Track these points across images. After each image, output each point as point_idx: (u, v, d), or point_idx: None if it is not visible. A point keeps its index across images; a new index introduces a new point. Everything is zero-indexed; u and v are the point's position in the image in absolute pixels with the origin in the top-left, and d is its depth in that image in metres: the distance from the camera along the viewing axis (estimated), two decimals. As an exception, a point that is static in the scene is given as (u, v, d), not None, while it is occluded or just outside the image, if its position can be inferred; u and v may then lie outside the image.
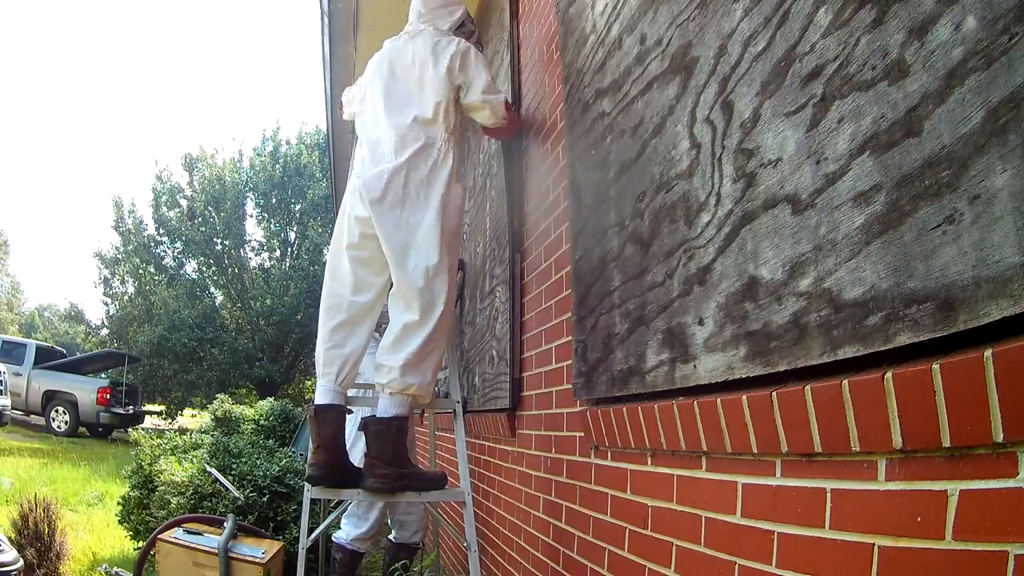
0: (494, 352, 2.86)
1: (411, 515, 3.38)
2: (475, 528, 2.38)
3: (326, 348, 2.29)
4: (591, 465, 1.78)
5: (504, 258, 2.79)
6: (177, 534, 2.98)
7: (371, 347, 3.76)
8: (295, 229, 18.14)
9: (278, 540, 3.18)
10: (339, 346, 2.28)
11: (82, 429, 12.88)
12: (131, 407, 13.36)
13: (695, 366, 1.23)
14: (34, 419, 12.93)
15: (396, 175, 2.23)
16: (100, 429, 13.01)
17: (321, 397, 2.26)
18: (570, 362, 1.95)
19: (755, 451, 1.05)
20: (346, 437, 3.88)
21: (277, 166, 17.71)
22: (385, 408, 2.21)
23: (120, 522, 4.06)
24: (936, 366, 0.72)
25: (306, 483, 2.27)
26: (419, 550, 3.48)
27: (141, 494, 3.92)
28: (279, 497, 3.49)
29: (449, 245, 2.27)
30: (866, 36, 0.85)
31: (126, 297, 18.27)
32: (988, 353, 0.66)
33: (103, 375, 14.75)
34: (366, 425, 2.20)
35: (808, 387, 0.92)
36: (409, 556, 3.41)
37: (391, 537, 3.48)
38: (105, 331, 18.67)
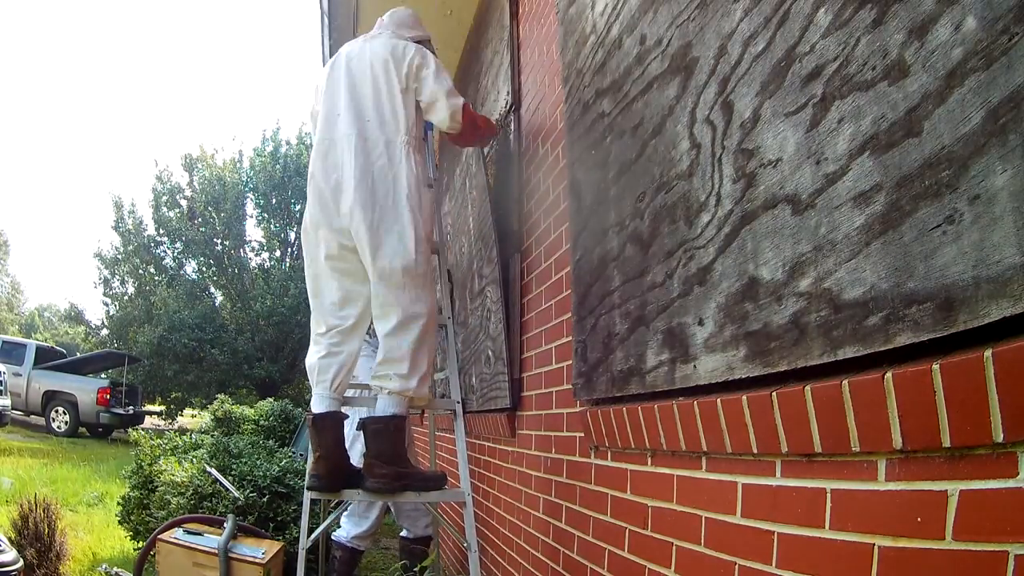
0: (490, 352, 2.86)
1: (419, 507, 3.38)
2: (475, 528, 2.38)
3: (320, 356, 2.27)
4: (591, 465, 1.78)
5: (492, 257, 2.79)
6: (177, 534, 2.97)
7: (365, 349, 3.77)
8: (295, 229, 18.10)
9: (278, 540, 3.17)
10: (333, 354, 2.26)
11: (82, 429, 12.87)
12: (131, 407, 13.35)
13: (695, 366, 1.23)
14: (34, 419, 12.91)
15: (362, 182, 2.19)
16: (100, 429, 13.00)
17: (318, 405, 2.24)
18: (570, 362, 1.95)
19: (755, 451, 1.05)
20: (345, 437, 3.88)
21: (277, 166, 17.70)
22: (383, 407, 2.21)
23: (120, 522, 4.06)
24: (936, 366, 0.72)
25: (307, 491, 2.25)
26: (431, 540, 3.50)
27: (141, 494, 3.92)
28: (279, 497, 3.49)
29: (424, 251, 2.25)
30: (866, 36, 0.85)
31: (126, 298, 18.26)
32: (988, 353, 0.66)
33: (103, 375, 14.73)
34: (364, 425, 2.19)
35: (808, 387, 0.92)
36: (426, 547, 3.43)
37: (403, 534, 3.48)
38: (105, 331, 18.65)
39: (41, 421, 12.67)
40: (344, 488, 2.22)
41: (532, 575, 2.25)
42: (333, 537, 3.35)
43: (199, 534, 2.97)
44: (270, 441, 4.89)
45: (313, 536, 2.34)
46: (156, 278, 17.80)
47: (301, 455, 4.35)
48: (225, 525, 2.99)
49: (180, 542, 2.93)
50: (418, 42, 2.52)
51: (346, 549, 3.28)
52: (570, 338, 1.96)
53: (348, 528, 3.29)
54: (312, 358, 2.30)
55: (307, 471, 2.24)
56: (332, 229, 2.22)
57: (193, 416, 20.23)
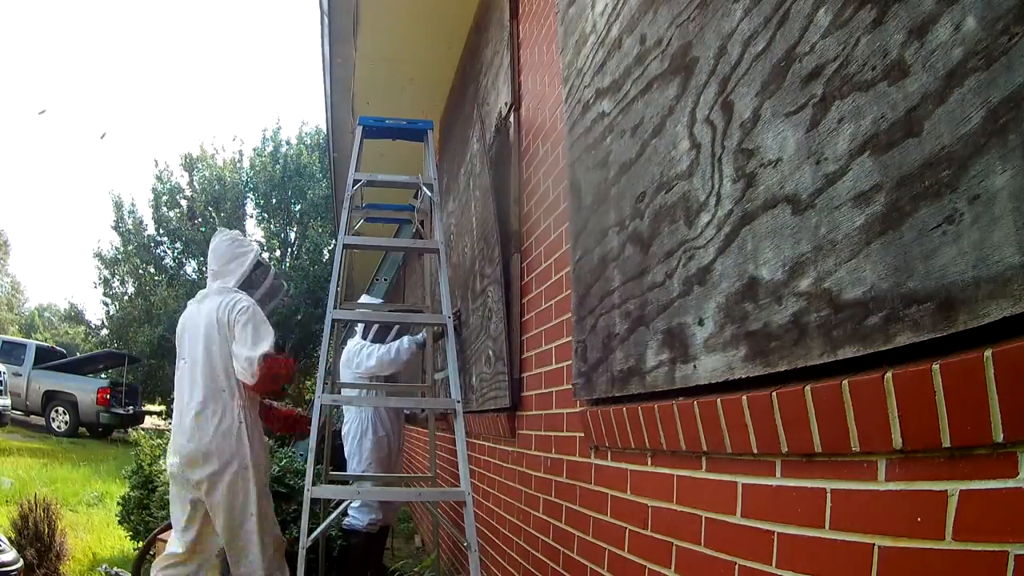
0: (490, 352, 2.86)
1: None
2: (475, 528, 2.38)
3: None
4: (591, 465, 1.78)
5: (494, 257, 2.79)
6: (177, 534, 2.96)
7: (365, 344, 3.79)
8: (295, 229, 18.10)
9: (278, 540, 3.17)
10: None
11: (82, 429, 12.87)
12: (131, 407, 13.35)
13: (695, 366, 1.23)
14: (34, 419, 12.92)
15: (211, 455, 2.43)
16: (100, 429, 13.00)
17: None
18: (570, 362, 1.95)
19: (755, 451, 1.05)
20: (343, 437, 3.94)
21: (277, 166, 17.69)
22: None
23: (120, 522, 4.07)
24: (936, 366, 0.72)
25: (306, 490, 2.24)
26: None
27: (141, 494, 3.92)
28: (279, 497, 3.49)
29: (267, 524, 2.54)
30: (866, 36, 0.85)
31: (126, 297, 18.24)
32: (988, 353, 0.66)
33: (103, 375, 14.73)
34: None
35: (808, 387, 0.92)
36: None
37: None
38: (105, 331, 18.63)
39: (41, 421, 12.67)
40: None
41: (532, 575, 2.25)
42: (345, 525, 3.49)
43: (199, 534, 2.96)
44: (270, 441, 4.89)
45: (313, 536, 2.33)
46: (156, 278, 17.77)
47: (301, 455, 4.34)
48: (225, 525, 2.98)
49: (180, 542, 2.92)
50: (256, 266, 2.75)
51: (360, 534, 3.45)
52: (570, 338, 1.96)
53: (360, 516, 3.46)
54: None
55: None
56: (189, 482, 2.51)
57: (193, 416, 20.18)
